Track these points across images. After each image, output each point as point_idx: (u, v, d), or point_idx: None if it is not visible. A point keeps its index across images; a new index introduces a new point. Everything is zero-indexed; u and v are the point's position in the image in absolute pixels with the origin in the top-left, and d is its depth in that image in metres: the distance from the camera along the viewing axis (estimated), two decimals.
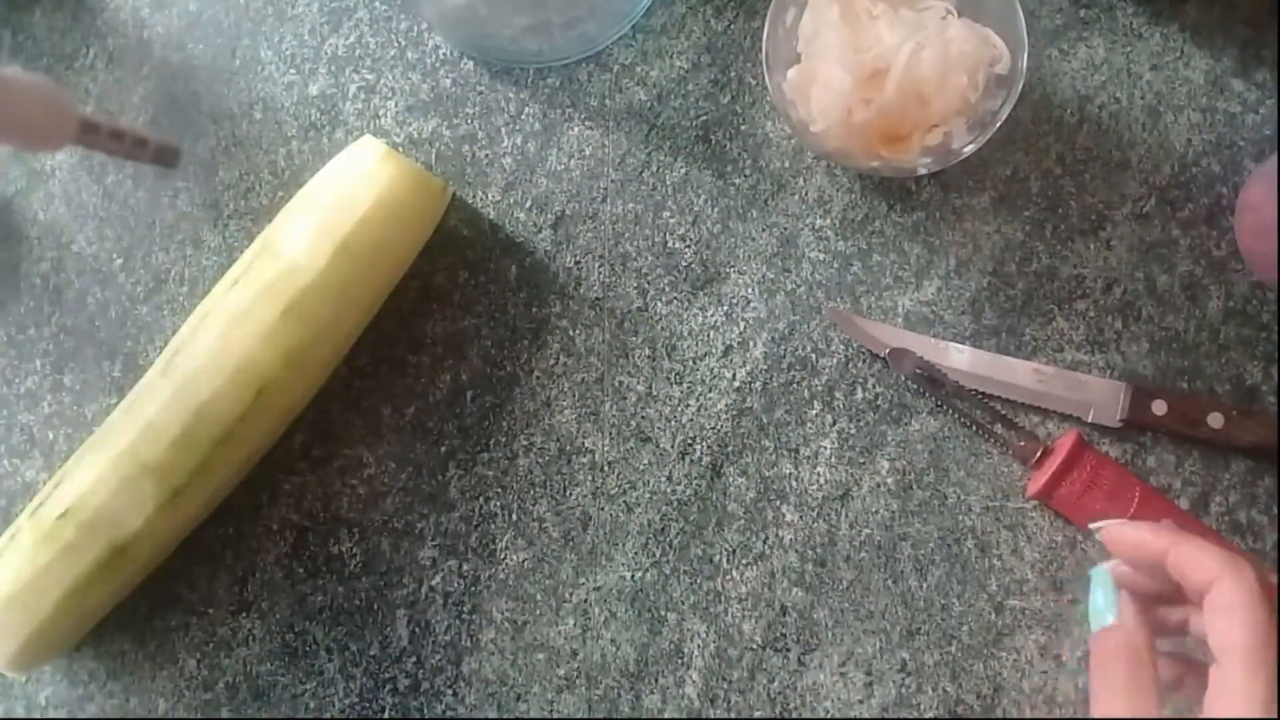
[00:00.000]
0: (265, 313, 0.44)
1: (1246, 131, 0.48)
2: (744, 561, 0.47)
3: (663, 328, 0.49)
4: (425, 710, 0.47)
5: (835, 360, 0.48)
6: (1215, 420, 0.44)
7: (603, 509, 0.48)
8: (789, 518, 0.47)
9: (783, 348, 0.48)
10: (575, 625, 0.47)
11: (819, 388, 0.48)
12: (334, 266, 0.44)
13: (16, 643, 0.44)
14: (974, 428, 0.46)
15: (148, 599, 0.49)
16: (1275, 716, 0.30)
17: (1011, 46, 0.45)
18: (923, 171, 0.45)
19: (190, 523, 0.46)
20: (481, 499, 0.48)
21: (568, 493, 0.48)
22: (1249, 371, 0.46)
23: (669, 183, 0.50)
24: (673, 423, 0.48)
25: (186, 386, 0.44)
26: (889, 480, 0.47)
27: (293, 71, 0.52)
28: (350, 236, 0.44)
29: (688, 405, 0.48)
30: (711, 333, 0.48)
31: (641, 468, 0.48)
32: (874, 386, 0.47)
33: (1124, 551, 0.36)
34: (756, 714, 0.46)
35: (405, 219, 0.46)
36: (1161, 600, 0.36)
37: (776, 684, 0.46)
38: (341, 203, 0.45)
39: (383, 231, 0.45)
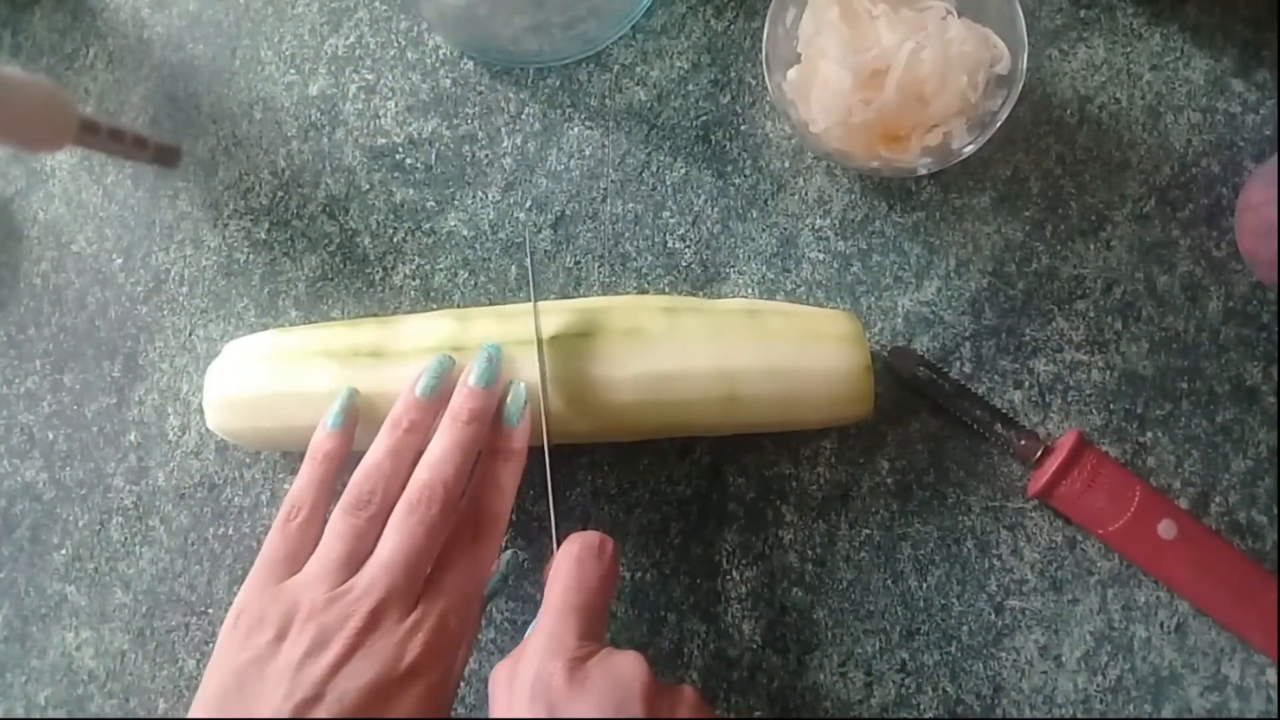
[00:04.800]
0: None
1: (1246, 131, 0.48)
2: (744, 561, 0.47)
3: None
4: None
5: None
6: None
7: (603, 509, 0.48)
8: (789, 518, 0.47)
9: None
10: None
11: None
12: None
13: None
14: (974, 427, 0.46)
15: (147, 598, 0.49)
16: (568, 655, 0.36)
17: (1011, 46, 0.45)
18: (923, 171, 0.45)
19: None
20: None
21: (568, 493, 0.48)
22: (1249, 371, 0.46)
23: (669, 183, 0.50)
24: None
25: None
26: (889, 480, 0.47)
27: (293, 71, 0.52)
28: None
29: None
30: None
31: (641, 468, 0.48)
32: (875, 389, 0.47)
33: None
34: (756, 714, 0.46)
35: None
36: None
37: (776, 684, 0.46)
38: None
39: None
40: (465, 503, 0.41)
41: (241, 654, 0.38)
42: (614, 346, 0.42)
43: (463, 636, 0.39)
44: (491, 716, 0.37)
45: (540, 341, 0.43)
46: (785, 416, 0.44)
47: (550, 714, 0.35)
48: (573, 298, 0.48)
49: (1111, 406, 0.47)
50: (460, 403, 0.41)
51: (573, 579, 0.39)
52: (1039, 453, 0.45)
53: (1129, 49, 0.49)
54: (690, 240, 0.49)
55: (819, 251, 0.49)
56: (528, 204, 0.50)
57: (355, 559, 0.39)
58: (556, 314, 0.44)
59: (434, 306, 0.50)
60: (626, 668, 0.36)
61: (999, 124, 0.45)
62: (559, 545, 0.41)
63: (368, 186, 0.51)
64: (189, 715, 0.38)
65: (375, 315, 0.50)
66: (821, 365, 0.43)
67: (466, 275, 0.50)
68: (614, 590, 0.40)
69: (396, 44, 0.52)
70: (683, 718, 0.36)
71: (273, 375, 0.44)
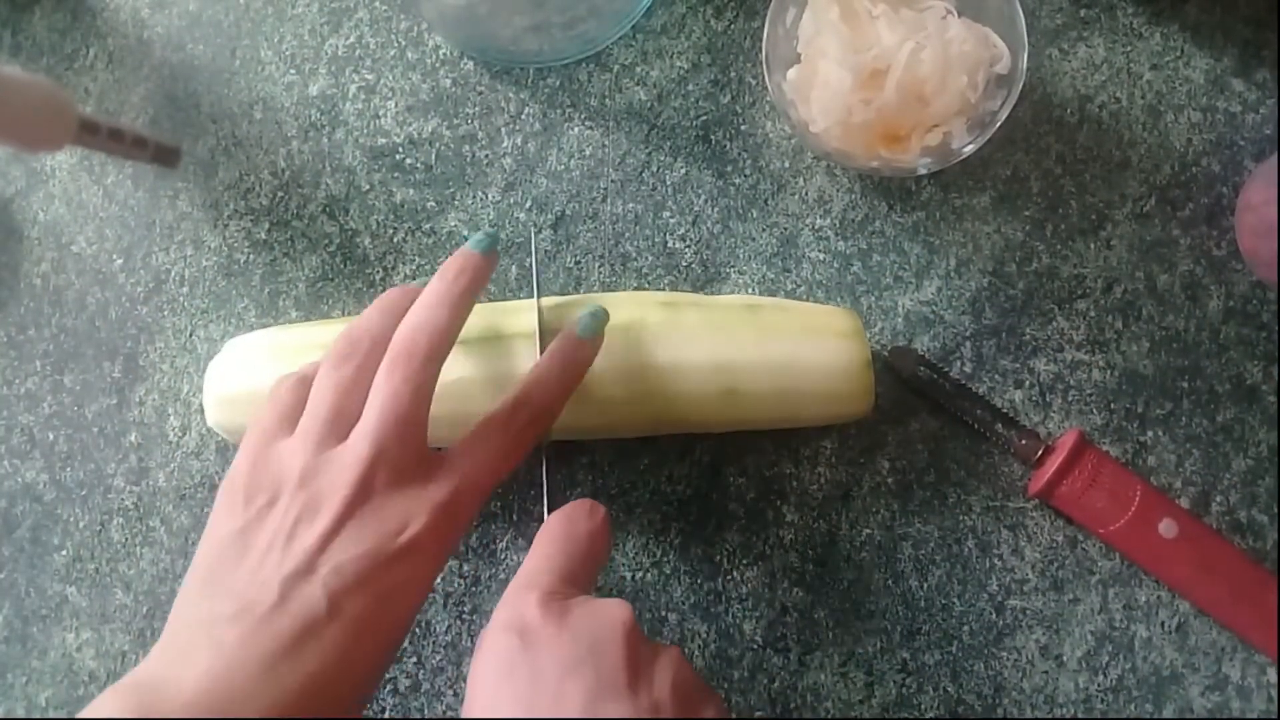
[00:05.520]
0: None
1: (1246, 131, 0.48)
2: (744, 561, 0.47)
3: None
4: (425, 710, 0.47)
5: None
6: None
7: None
8: (789, 518, 0.47)
9: None
10: None
11: None
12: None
13: None
14: (974, 427, 0.46)
15: (148, 598, 0.49)
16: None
17: (1011, 46, 0.45)
18: (923, 171, 0.45)
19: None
20: None
21: (568, 493, 0.48)
22: (1249, 370, 0.46)
23: (669, 183, 0.50)
24: None
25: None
26: (889, 480, 0.47)
27: (293, 71, 0.52)
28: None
29: None
30: None
31: (641, 468, 0.48)
32: (875, 389, 0.47)
33: None
34: (757, 714, 0.46)
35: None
36: None
37: (777, 684, 0.46)
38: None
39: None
40: (513, 389, 0.39)
41: (229, 524, 0.36)
42: (613, 339, 0.42)
43: (468, 523, 0.37)
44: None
45: (541, 333, 0.43)
46: (785, 412, 0.44)
47: (522, 643, 0.33)
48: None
49: (1112, 406, 0.47)
50: (451, 260, 0.40)
51: (560, 529, 0.38)
52: (1039, 452, 0.45)
53: (1129, 48, 0.49)
54: (690, 240, 0.49)
55: (819, 251, 0.49)
56: (528, 204, 0.50)
57: (345, 416, 0.37)
58: (556, 308, 0.44)
59: None
60: (609, 610, 0.34)
61: (999, 124, 0.45)
62: None
63: (368, 186, 0.51)
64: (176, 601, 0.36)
65: None
66: (821, 360, 0.43)
67: None
68: (604, 556, 0.39)
69: (396, 44, 0.52)
70: (664, 673, 0.33)
71: (274, 371, 0.44)
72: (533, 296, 0.46)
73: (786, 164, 0.49)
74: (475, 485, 0.37)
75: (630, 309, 0.43)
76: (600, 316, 0.42)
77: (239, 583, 0.34)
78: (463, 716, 0.34)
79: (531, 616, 0.34)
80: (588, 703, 0.31)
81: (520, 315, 0.44)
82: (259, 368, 0.45)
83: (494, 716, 0.32)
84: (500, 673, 0.33)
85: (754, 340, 0.43)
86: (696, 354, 0.42)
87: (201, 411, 0.49)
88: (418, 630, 0.47)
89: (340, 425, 0.37)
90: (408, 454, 0.36)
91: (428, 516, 0.35)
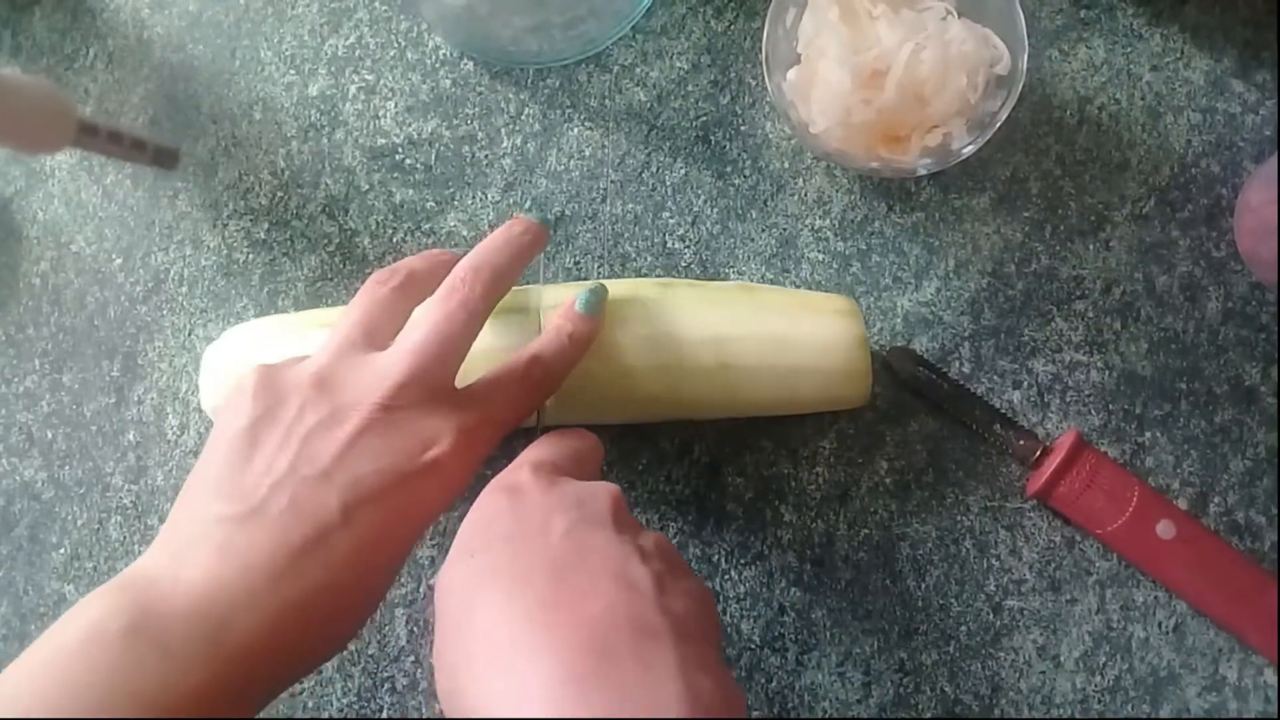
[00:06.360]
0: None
1: (1246, 132, 0.48)
2: (742, 561, 0.47)
3: None
4: (423, 710, 0.47)
5: None
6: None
7: None
8: (788, 518, 0.47)
9: None
10: None
11: None
12: None
13: None
14: (973, 428, 0.46)
15: None
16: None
17: (1011, 47, 0.45)
18: (922, 172, 0.45)
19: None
20: None
21: None
22: (1248, 372, 0.46)
23: (669, 183, 0.50)
24: (672, 422, 0.48)
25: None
26: (887, 480, 0.47)
27: (293, 71, 0.52)
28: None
29: None
30: None
31: (640, 467, 0.48)
32: (873, 386, 0.47)
33: None
34: (755, 714, 0.46)
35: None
36: None
37: (775, 684, 0.46)
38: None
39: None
40: (525, 348, 0.39)
41: (235, 423, 0.34)
42: (609, 315, 0.42)
43: (485, 457, 0.37)
44: None
45: (541, 311, 0.43)
46: (780, 390, 0.43)
47: (510, 498, 0.33)
48: None
49: (1110, 407, 0.47)
50: (514, 220, 0.41)
51: (553, 435, 0.38)
52: (1038, 453, 0.45)
53: (1129, 49, 0.49)
54: (690, 240, 0.49)
55: (818, 252, 0.49)
56: (528, 204, 0.50)
57: (374, 331, 0.37)
58: (553, 289, 0.44)
59: None
60: (598, 484, 0.34)
61: (999, 124, 0.45)
62: None
63: (367, 186, 0.51)
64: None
65: None
66: (816, 335, 0.43)
67: None
68: (594, 469, 0.38)
69: (396, 44, 0.52)
70: (648, 537, 0.33)
71: (272, 356, 0.44)
72: (541, 280, 0.46)
73: (786, 164, 0.49)
74: (498, 420, 0.38)
75: (626, 288, 0.43)
76: (600, 293, 0.42)
77: (247, 483, 0.34)
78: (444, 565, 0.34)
79: (522, 479, 0.34)
80: (570, 529, 0.32)
81: (521, 296, 0.44)
82: (257, 353, 0.44)
83: (477, 553, 0.32)
84: (486, 518, 0.33)
85: (748, 315, 0.43)
86: (690, 327, 0.42)
87: (200, 410, 0.49)
88: (416, 629, 0.47)
89: (368, 337, 0.37)
90: (443, 378, 0.36)
91: (454, 437, 0.35)
